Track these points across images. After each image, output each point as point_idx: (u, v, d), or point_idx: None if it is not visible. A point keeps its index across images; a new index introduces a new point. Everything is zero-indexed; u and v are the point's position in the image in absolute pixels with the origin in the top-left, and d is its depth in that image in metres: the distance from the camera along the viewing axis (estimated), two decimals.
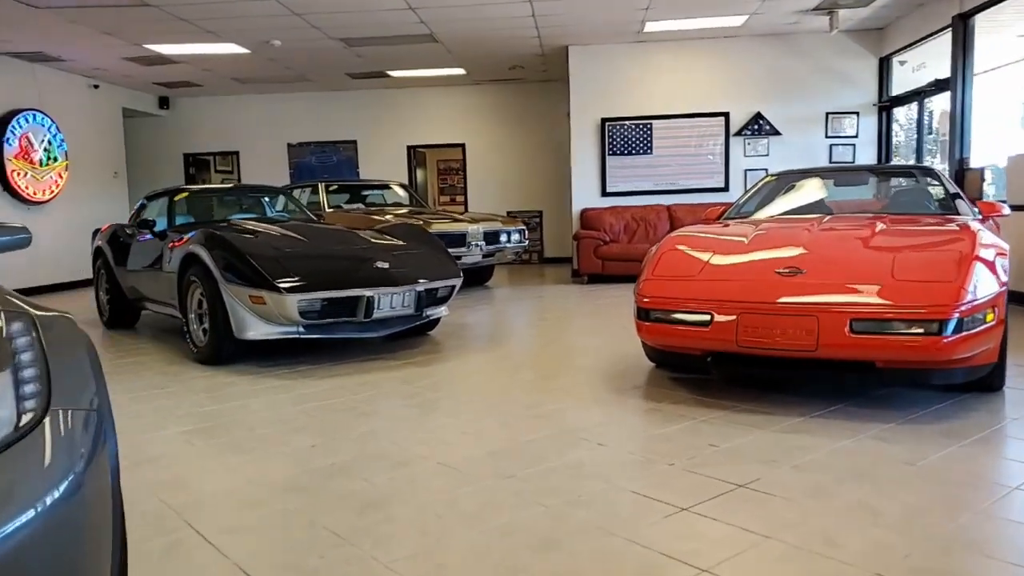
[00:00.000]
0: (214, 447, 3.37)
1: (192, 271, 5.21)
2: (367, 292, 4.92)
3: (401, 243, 5.78)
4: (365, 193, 10.34)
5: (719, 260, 3.96)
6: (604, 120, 10.14)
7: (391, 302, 5.04)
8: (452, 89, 13.16)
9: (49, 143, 10.71)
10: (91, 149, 11.86)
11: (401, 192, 10.47)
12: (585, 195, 10.35)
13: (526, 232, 9.37)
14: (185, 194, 6.67)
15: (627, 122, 10.11)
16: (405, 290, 5.08)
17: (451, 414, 3.78)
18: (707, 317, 3.66)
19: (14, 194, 10.16)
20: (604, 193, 10.27)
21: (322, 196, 9.72)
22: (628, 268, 9.16)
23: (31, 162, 10.39)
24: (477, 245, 8.72)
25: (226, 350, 5.10)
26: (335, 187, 9.99)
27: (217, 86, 12.60)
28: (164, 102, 13.56)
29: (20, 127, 10.16)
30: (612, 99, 10.13)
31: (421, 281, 5.21)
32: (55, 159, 10.85)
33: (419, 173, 14.76)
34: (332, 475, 2.94)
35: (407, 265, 5.32)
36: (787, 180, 5.52)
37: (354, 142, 13.45)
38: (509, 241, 9.15)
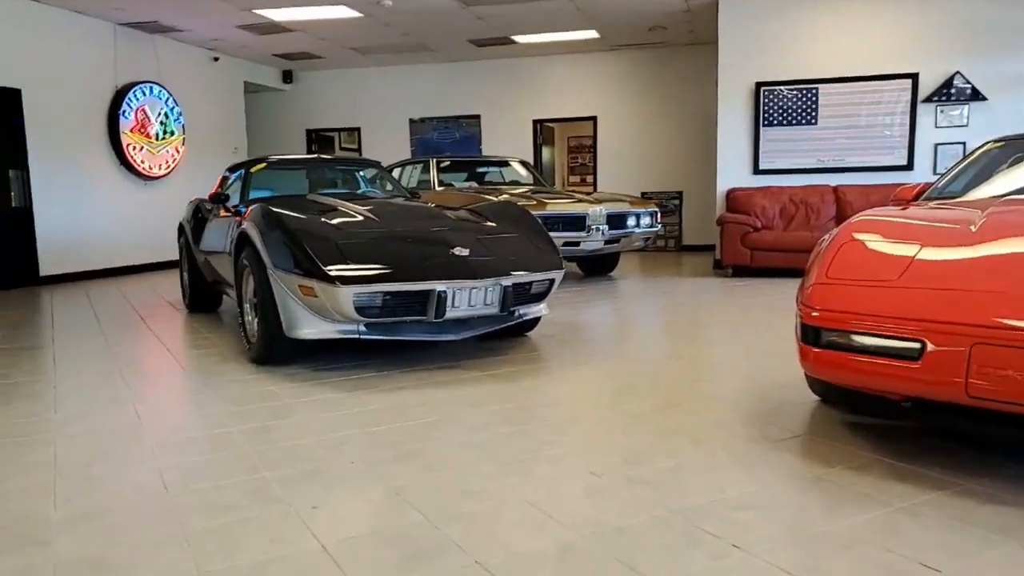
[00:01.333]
0: (170, 506, 2.43)
1: (245, 253, 4.37)
2: (438, 286, 3.88)
3: (490, 225, 4.70)
4: (481, 170, 9.36)
5: (932, 255, 2.61)
6: (759, 85, 8.62)
7: (469, 299, 3.98)
8: (583, 56, 11.94)
9: (166, 116, 10.44)
10: (210, 123, 11.58)
11: (521, 170, 9.41)
12: (733, 173, 8.89)
13: (658, 215, 8.07)
14: (263, 165, 5.89)
15: (787, 87, 8.54)
16: (487, 284, 4.00)
17: (520, 465, 2.67)
18: (915, 346, 2.35)
19: (131, 168, 9.94)
20: (756, 171, 8.76)
21: (432, 173, 8.83)
22: (782, 260, 7.68)
23: (147, 136, 10.14)
24: (598, 229, 7.53)
25: (277, 350, 4.23)
26: (447, 163, 9.06)
27: (338, 58, 12.01)
28: (287, 76, 13.17)
29: (136, 100, 9.91)
30: (769, 60, 8.60)
31: (510, 273, 4.11)
32: (171, 133, 10.59)
33: (546, 151, 13.67)
34: None
35: (494, 253, 4.24)
36: (1017, 148, 3.98)
37: (477, 117, 12.54)
38: (638, 225, 7.89)
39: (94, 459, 2.80)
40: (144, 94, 10.03)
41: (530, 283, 4.26)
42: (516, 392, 3.60)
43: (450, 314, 3.96)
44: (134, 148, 9.92)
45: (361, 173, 6.56)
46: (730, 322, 5.44)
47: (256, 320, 4.28)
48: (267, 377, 4.01)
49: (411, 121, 12.91)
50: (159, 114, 10.31)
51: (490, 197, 7.03)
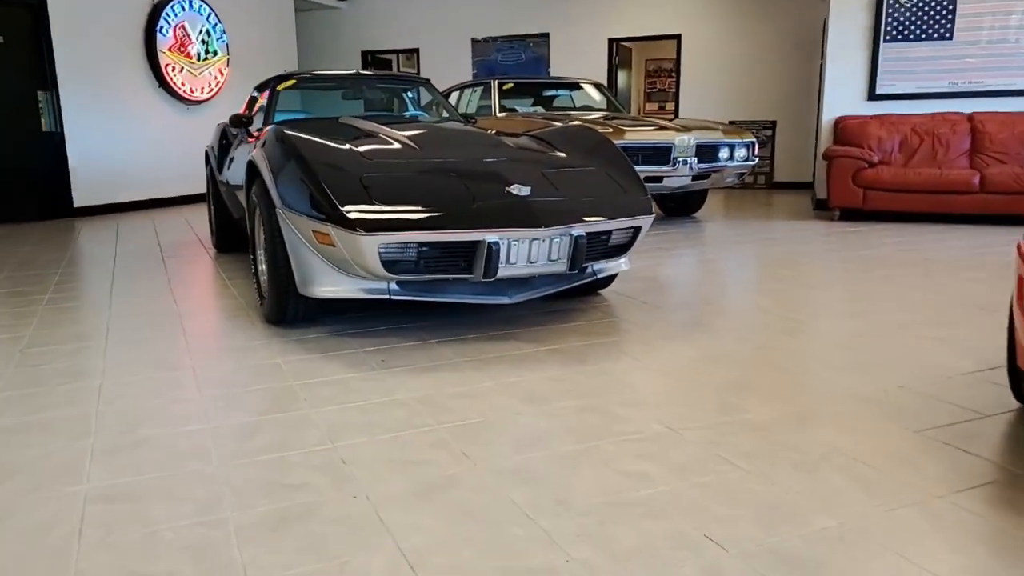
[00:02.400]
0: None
1: (255, 187, 3.53)
2: (489, 235, 2.95)
3: (560, 155, 3.72)
4: (549, 94, 8.29)
5: None
6: None
7: (529, 252, 3.05)
8: None
9: (208, 35, 9.62)
10: (257, 44, 10.73)
11: (595, 93, 8.30)
12: (843, 98, 7.61)
13: (755, 147, 6.91)
14: (291, 82, 5.00)
15: None
16: (553, 234, 3.05)
17: (594, 521, 1.77)
18: None
19: (170, 91, 9.20)
20: (872, 96, 7.46)
21: (493, 97, 7.81)
22: (903, 202, 6.50)
23: (187, 56, 9.35)
24: (686, 162, 6.44)
25: (292, 309, 3.41)
26: (510, 86, 8.01)
27: None
28: None
29: (175, 15, 9.09)
30: None
31: (584, 220, 3.15)
32: (214, 53, 9.78)
33: (621, 76, 12.42)
34: None
35: (563, 192, 3.27)
36: None
37: (546, 36, 11.35)
38: (731, 158, 6.76)
39: None
40: (183, 9, 9.20)
41: (609, 232, 3.30)
42: (586, 381, 2.69)
43: (503, 272, 3.04)
44: (173, 69, 9.16)
45: (409, 94, 5.62)
46: (857, 281, 4.38)
47: (266, 272, 3.45)
48: (275, 344, 3.20)
49: (473, 41, 11.82)
50: (200, 32, 9.49)
51: (558, 124, 6.01)
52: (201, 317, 3.69)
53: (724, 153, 6.71)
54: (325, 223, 2.95)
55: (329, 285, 3.17)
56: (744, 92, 10.56)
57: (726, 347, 3.09)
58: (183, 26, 9.22)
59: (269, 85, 5.07)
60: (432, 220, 2.94)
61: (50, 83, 7.93)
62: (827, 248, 5.50)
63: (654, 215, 3.37)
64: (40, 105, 7.90)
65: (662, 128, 6.53)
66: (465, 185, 3.16)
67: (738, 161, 6.81)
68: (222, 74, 9.97)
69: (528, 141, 3.95)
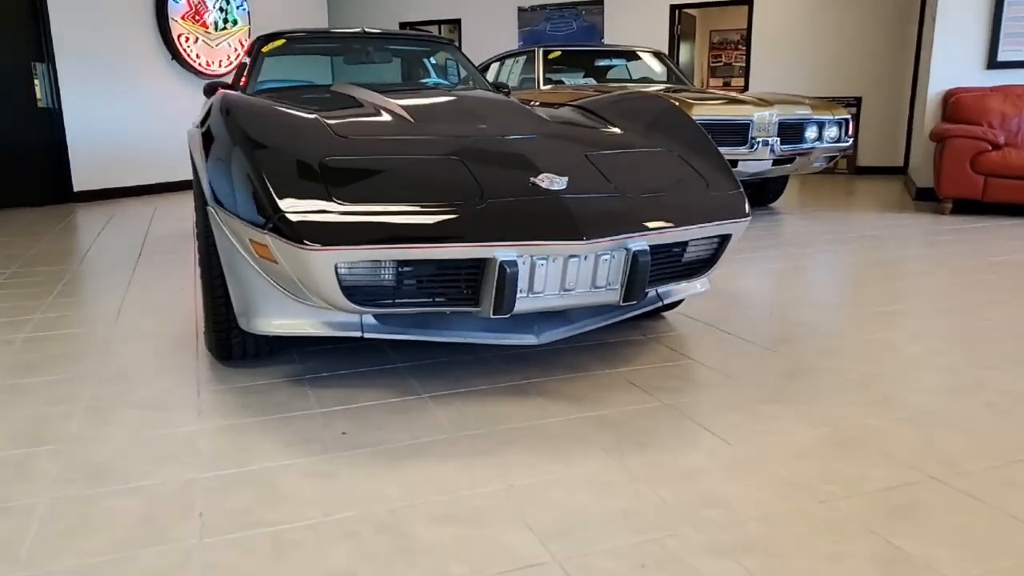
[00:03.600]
0: None
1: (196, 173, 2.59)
2: (502, 251, 1.95)
3: (613, 132, 2.68)
4: (602, 64, 7.21)
5: None
6: None
7: (563, 276, 2.04)
8: None
9: (226, 2, 8.76)
10: (282, 13, 9.84)
11: (655, 64, 7.20)
12: (954, 67, 6.35)
13: (849, 125, 5.74)
14: (280, 43, 4.06)
15: None
16: (601, 248, 2.03)
17: None
18: None
19: (184, 64, 8.37)
20: (992, 64, 6.20)
21: (538, 67, 6.77)
22: None
23: (203, 25, 8.51)
24: (767, 143, 5.32)
25: (237, 344, 2.47)
26: (557, 54, 6.96)
27: None
28: None
29: None
30: None
31: (648, 226, 2.12)
32: (233, 23, 8.91)
33: (683, 49, 11.22)
34: None
35: (617, 185, 2.24)
36: None
37: (600, 3, 10.22)
38: (820, 139, 5.61)
39: None
40: None
41: (684, 244, 2.27)
42: (648, 494, 1.68)
43: (524, 305, 2.04)
44: (187, 39, 8.32)
45: (431, 61, 4.63)
46: (1019, 301, 3.25)
47: (202, 292, 2.51)
48: (205, 397, 2.26)
49: (519, 10, 10.75)
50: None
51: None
52: (131, 346, 2.78)
53: (812, 132, 5.57)
54: (262, 229, 1.99)
55: (278, 317, 2.21)
56: (824, 64, 9.29)
57: (861, 418, 2.05)
58: None
59: (254, 46, 4.14)
60: (417, 227, 1.95)
61: (46, 54, 7.16)
62: (950, 251, 4.35)
63: (749, 218, 2.32)
64: (35, 78, 7.14)
65: (737, 102, 5.41)
66: (471, 173, 2.15)
67: (828, 142, 5.66)
68: (242, 46, 9.11)
69: (570, 113, 2.92)
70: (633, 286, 2.08)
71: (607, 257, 2.03)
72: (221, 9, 8.68)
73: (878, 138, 9.09)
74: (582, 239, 1.95)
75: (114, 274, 4.02)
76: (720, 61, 12.27)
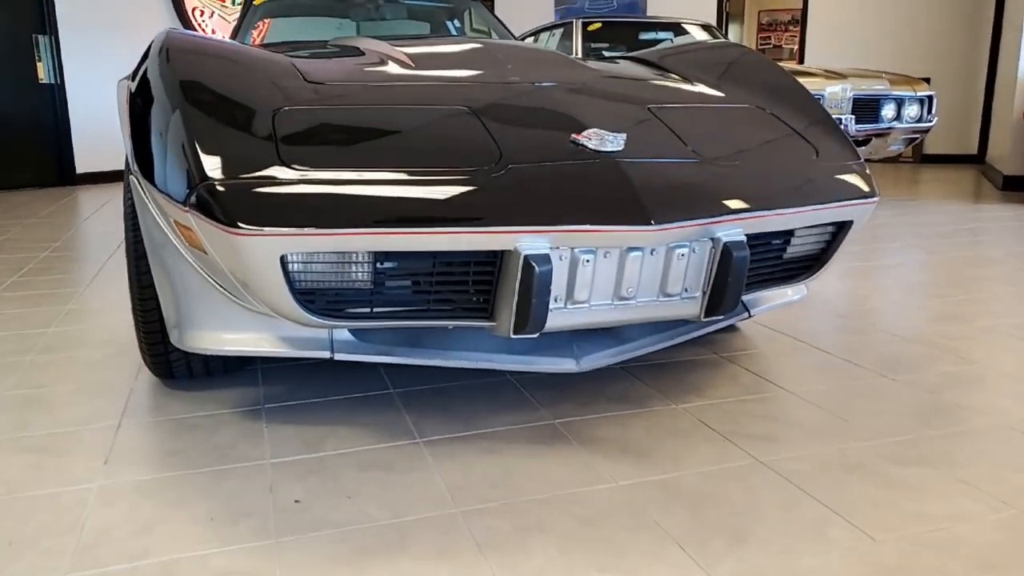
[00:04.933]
0: None
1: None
2: (528, 239, 1.31)
3: (685, 88, 2.01)
4: (646, 37, 6.51)
5: None
6: None
7: (619, 277, 1.40)
8: None
9: None
10: None
11: (703, 37, 6.48)
12: None
13: (934, 102, 5.00)
14: None
15: None
16: (676, 237, 1.38)
17: None
18: None
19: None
20: None
21: (576, 40, 6.11)
22: None
23: None
24: (839, 122, 4.61)
25: (177, 361, 1.87)
26: (597, 26, 6.28)
27: None
28: None
29: None
30: None
31: (742, 207, 1.46)
32: None
33: (731, 30, 10.47)
34: None
35: (694, 148, 1.58)
36: None
37: None
38: (899, 118, 4.89)
39: None
40: None
41: (789, 234, 1.61)
42: None
43: (559, 321, 1.41)
44: (202, 12, 7.79)
45: (455, 23, 4.00)
46: None
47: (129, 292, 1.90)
48: (126, 436, 1.66)
49: None
50: None
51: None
52: (63, 356, 2.20)
53: (890, 110, 4.84)
54: (183, 205, 1.38)
55: (219, 330, 1.60)
56: (887, 42, 8.48)
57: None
58: None
59: (245, 2, 3.55)
60: (404, 203, 1.32)
61: (49, 25, 6.66)
62: None
63: (877, 199, 1.65)
64: (38, 50, 6.64)
65: (805, 74, 4.70)
66: (486, 129, 1.51)
67: (908, 122, 4.93)
68: (263, 23, 8.55)
69: (626, 64, 2.25)
70: (722, 293, 1.42)
71: (684, 251, 1.39)
72: None
73: (949, 123, 8.27)
74: (649, 223, 1.30)
75: (82, 266, 3.46)
76: (769, 43, 11.47)
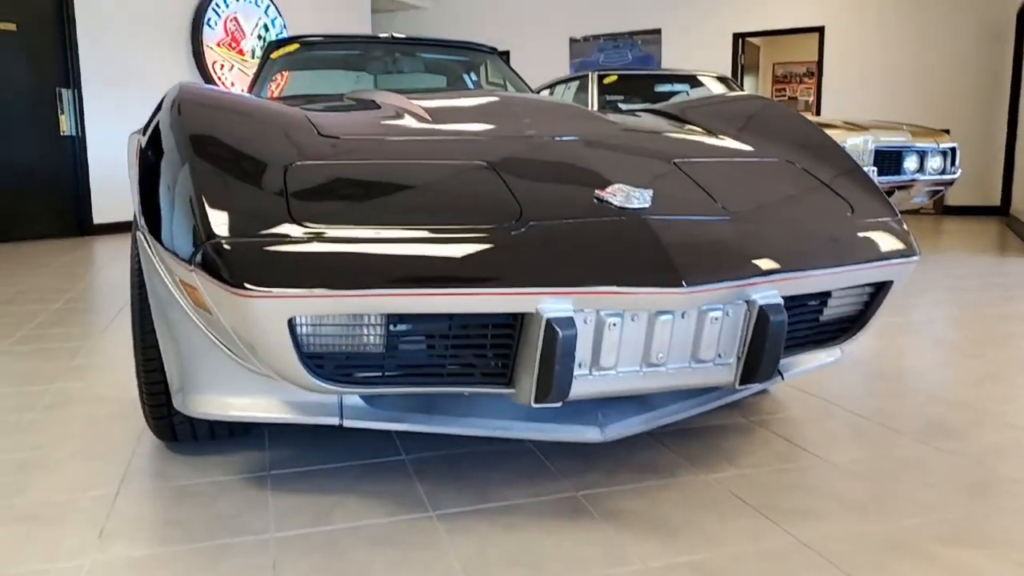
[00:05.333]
0: None
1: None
2: (550, 301, 1.23)
3: (708, 142, 1.94)
4: (661, 90, 6.53)
5: None
6: None
7: (648, 342, 1.31)
8: None
9: (264, 30, 8.36)
10: None
11: (719, 90, 6.48)
12: None
13: (956, 155, 4.93)
14: (292, 48, 3.49)
15: None
16: (709, 300, 1.30)
17: None
18: None
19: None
20: None
21: (591, 92, 6.13)
22: None
23: (240, 52, 8.11)
24: None
25: (180, 424, 1.79)
26: (613, 78, 6.30)
27: None
28: None
29: (226, 5, 7.86)
30: None
31: (777, 267, 1.38)
32: None
33: (747, 82, 10.53)
34: None
35: (725, 205, 1.51)
36: None
37: (657, 32, 9.61)
38: (922, 169, 4.82)
39: None
40: None
41: (826, 296, 1.52)
42: None
43: (584, 388, 1.32)
44: (222, 67, 7.92)
45: (472, 76, 4.00)
46: None
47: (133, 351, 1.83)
48: (125, 504, 1.58)
49: (571, 41, 10.20)
50: (256, 26, 8.24)
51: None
52: (63, 414, 2.12)
53: (912, 163, 4.78)
54: (189, 263, 1.31)
55: (224, 394, 1.52)
56: (905, 95, 8.47)
57: None
58: (235, 19, 7.98)
59: (264, 54, 3.57)
60: (420, 262, 1.25)
61: (72, 79, 6.77)
62: None
63: (918, 258, 1.56)
64: (61, 103, 6.74)
65: (826, 126, 4.66)
66: (505, 184, 1.45)
67: (931, 174, 4.86)
68: (281, 76, 8.68)
69: (647, 117, 2.20)
70: (759, 359, 1.33)
71: (717, 314, 1.31)
72: (260, 37, 8.27)
73: (970, 174, 8.21)
74: (680, 284, 1.22)
75: (92, 318, 3.41)
76: (784, 95, 11.52)
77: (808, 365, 1.84)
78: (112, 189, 7.07)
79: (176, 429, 1.77)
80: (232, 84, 8.03)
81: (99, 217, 6.98)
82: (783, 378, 1.74)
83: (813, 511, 1.52)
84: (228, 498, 1.60)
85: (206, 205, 1.32)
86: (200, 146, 1.47)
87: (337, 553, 1.38)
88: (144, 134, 1.76)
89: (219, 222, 1.29)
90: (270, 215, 1.32)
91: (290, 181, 1.42)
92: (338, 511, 1.54)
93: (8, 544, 1.42)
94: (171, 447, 1.88)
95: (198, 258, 1.28)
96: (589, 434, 1.46)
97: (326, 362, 1.31)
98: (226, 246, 1.25)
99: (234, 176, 1.40)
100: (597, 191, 1.41)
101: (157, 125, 1.68)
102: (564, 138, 1.70)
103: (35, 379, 2.47)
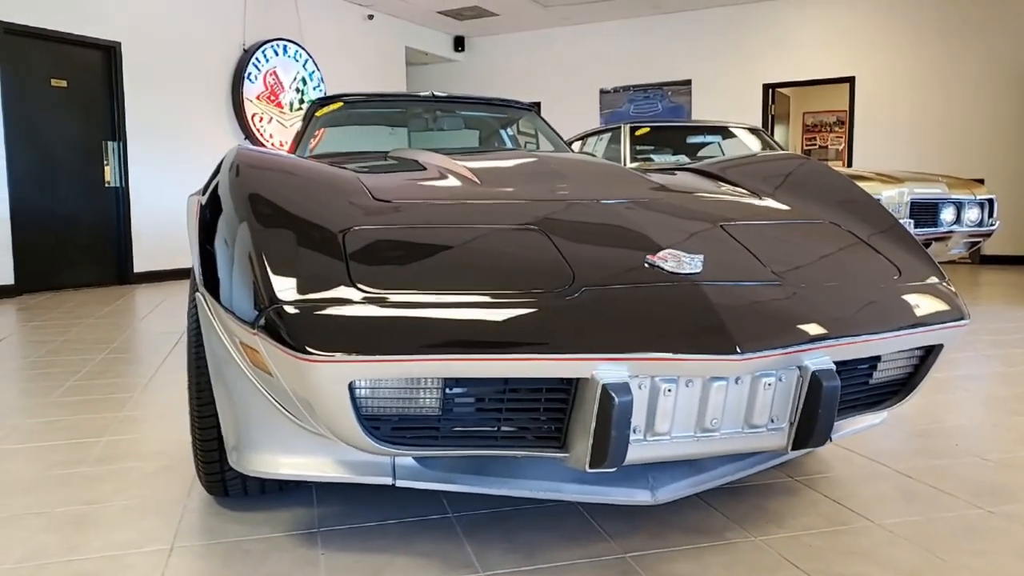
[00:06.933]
0: None
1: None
2: (605, 368, 1.25)
3: (754, 199, 1.97)
4: (693, 141, 6.59)
5: None
6: None
7: (703, 409, 1.32)
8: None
9: (303, 83, 8.60)
10: None
11: (752, 140, 6.54)
12: None
13: (994, 206, 4.90)
14: (336, 106, 3.59)
15: None
16: (763, 366, 1.31)
17: None
18: None
19: (256, 143, 8.16)
20: None
21: (624, 144, 6.20)
22: None
23: (278, 105, 8.34)
24: None
25: (232, 479, 1.82)
26: (645, 130, 6.38)
27: (515, 13, 9.69)
28: (459, 43, 11.07)
29: (266, 60, 8.11)
30: None
31: (830, 333, 1.38)
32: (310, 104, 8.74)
33: (777, 131, 10.58)
34: None
35: (775, 270, 1.53)
36: None
37: (687, 83, 9.72)
38: (958, 221, 4.79)
39: None
40: (276, 54, 8.22)
41: (876, 360, 1.52)
42: None
43: (639, 453, 1.33)
44: (261, 119, 8.14)
45: (507, 131, 4.08)
46: None
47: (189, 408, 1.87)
48: (178, 562, 1.60)
49: (602, 92, 10.35)
50: (295, 79, 8.48)
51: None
52: (113, 468, 2.17)
53: (949, 214, 4.76)
54: (251, 327, 1.35)
55: (280, 454, 1.55)
56: (937, 144, 8.46)
57: None
58: (274, 72, 8.23)
59: (308, 110, 3.68)
60: (476, 327, 1.28)
61: (118, 133, 7.00)
62: None
63: (967, 322, 1.56)
64: (106, 155, 6.96)
65: (860, 178, 4.67)
66: (557, 250, 1.48)
67: (968, 226, 4.83)
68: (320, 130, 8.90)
69: (687, 176, 2.24)
70: (812, 425, 1.34)
71: (770, 380, 1.32)
72: (297, 90, 8.51)
73: (1005, 223, 8.13)
74: (735, 351, 1.24)
75: (137, 368, 3.48)
76: (815, 143, 11.55)
77: (856, 426, 1.83)
78: (152, 238, 7.24)
79: (228, 485, 1.80)
80: (271, 136, 8.24)
81: (140, 266, 7.15)
82: (831, 439, 1.74)
83: None
84: (278, 555, 1.62)
85: (268, 268, 1.37)
86: (258, 208, 1.52)
87: None
88: (203, 195, 1.83)
89: (281, 286, 1.33)
90: (331, 280, 1.36)
91: (348, 245, 1.46)
92: (388, 571, 1.55)
93: None
94: (221, 502, 1.90)
95: (261, 321, 1.32)
96: (640, 496, 1.47)
97: (383, 424, 1.34)
98: (289, 311, 1.29)
99: (294, 239, 1.44)
100: (648, 256, 1.43)
101: (216, 187, 1.75)
102: (611, 201, 1.74)
103: (85, 432, 2.52)
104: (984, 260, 8.20)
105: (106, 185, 6.98)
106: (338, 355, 1.24)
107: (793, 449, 1.40)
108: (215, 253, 1.56)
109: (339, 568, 1.56)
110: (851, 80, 8.84)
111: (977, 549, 1.63)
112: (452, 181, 1.92)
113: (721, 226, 1.66)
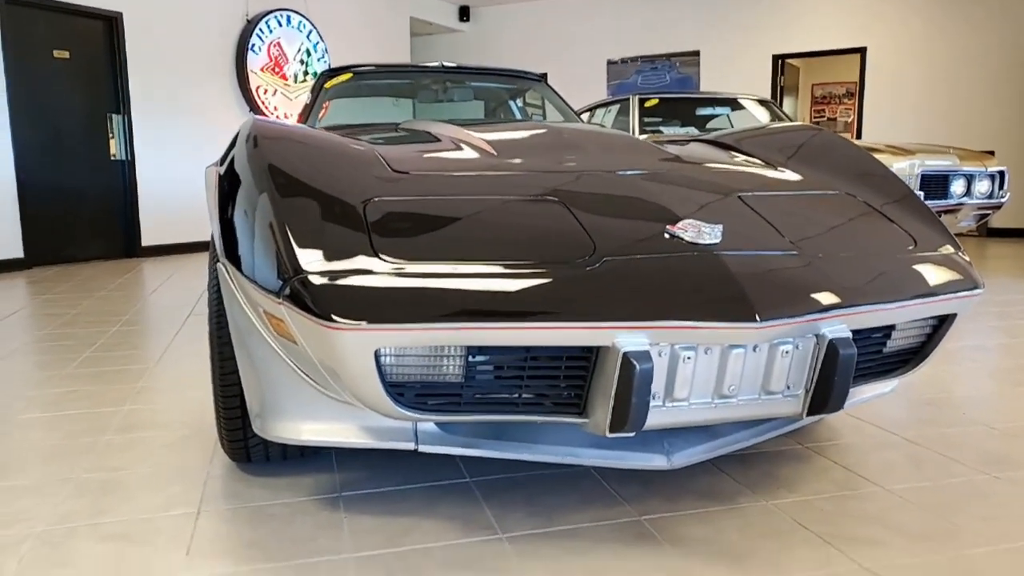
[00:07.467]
0: None
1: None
2: (625, 335, 1.28)
3: (769, 170, 1.99)
4: (702, 113, 6.56)
5: None
6: None
7: (721, 375, 1.35)
8: None
9: (307, 54, 8.55)
10: None
11: (761, 112, 6.51)
12: None
13: (1005, 178, 4.89)
14: (346, 77, 3.59)
15: None
16: (780, 334, 1.34)
17: None
18: None
19: (261, 116, 8.13)
20: None
21: (632, 116, 6.18)
22: None
23: (283, 76, 8.30)
24: None
25: (255, 446, 1.86)
26: (654, 102, 6.35)
27: None
28: (464, 13, 10.98)
29: (269, 31, 8.07)
30: None
31: (846, 301, 1.41)
32: (314, 75, 8.70)
33: (786, 103, 10.51)
34: None
35: (792, 240, 1.55)
36: None
37: (696, 53, 9.65)
38: (969, 193, 4.79)
39: None
40: (280, 24, 8.17)
41: (890, 328, 1.55)
42: None
43: (659, 419, 1.36)
44: (265, 91, 8.12)
45: (516, 102, 4.07)
46: None
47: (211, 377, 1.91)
48: (206, 524, 1.64)
49: (609, 63, 10.28)
50: (299, 51, 8.44)
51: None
52: (137, 436, 2.21)
53: (959, 186, 4.75)
54: (276, 296, 1.38)
55: (304, 420, 1.58)
56: (948, 115, 8.41)
57: None
58: (278, 44, 8.18)
59: (317, 82, 3.68)
60: (498, 297, 1.31)
61: (123, 105, 6.99)
62: None
63: (982, 291, 1.58)
64: (111, 128, 6.96)
65: (871, 150, 4.65)
66: (577, 220, 1.51)
67: (979, 197, 4.83)
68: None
69: (701, 147, 2.25)
70: (828, 391, 1.37)
71: (788, 347, 1.34)
72: (302, 62, 8.47)
73: (1014, 196, 8.10)
74: (755, 319, 1.26)
75: (150, 340, 3.52)
76: (823, 115, 11.47)
77: (867, 394, 1.86)
78: (159, 212, 7.26)
79: (251, 451, 1.84)
80: (275, 108, 8.22)
81: (147, 239, 7.17)
82: (842, 407, 1.77)
83: (877, 539, 1.54)
84: (303, 518, 1.66)
85: (291, 239, 1.39)
86: (277, 179, 1.54)
87: (416, 573, 1.42)
88: (221, 166, 1.85)
89: (306, 257, 1.36)
90: (354, 249, 1.38)
91: (369, 216, 1.48)
92: (414, 530, 1.59)
93: (103, 562, 1.50)
94: (244, 468, 1.95)
95: (286, 291, 1.35)
96: (656, 462, 1.50)
97: (407, 391, 1.37)
98: (314, 280, 1.32)
99: (315, 210, 1.47)
100: (668, 227, 1.45)
101: (233, 159, 1.77)
102: (628, 172, 1.75)
103: (105, 402, 2.57)
104: (990, 233, 8.19)
105: (112, 158, 6.98)
106: (364, 323, 1.26)
107: (808, 415, 1.43)
108: (235, 224, 1.59)
109: (363, 530, 1.60)
110: (862, 51, 8.76)
111: (985, 514, 1.66)
112: (469, 152, 1.94)
113: (738, 196, 1.68)
